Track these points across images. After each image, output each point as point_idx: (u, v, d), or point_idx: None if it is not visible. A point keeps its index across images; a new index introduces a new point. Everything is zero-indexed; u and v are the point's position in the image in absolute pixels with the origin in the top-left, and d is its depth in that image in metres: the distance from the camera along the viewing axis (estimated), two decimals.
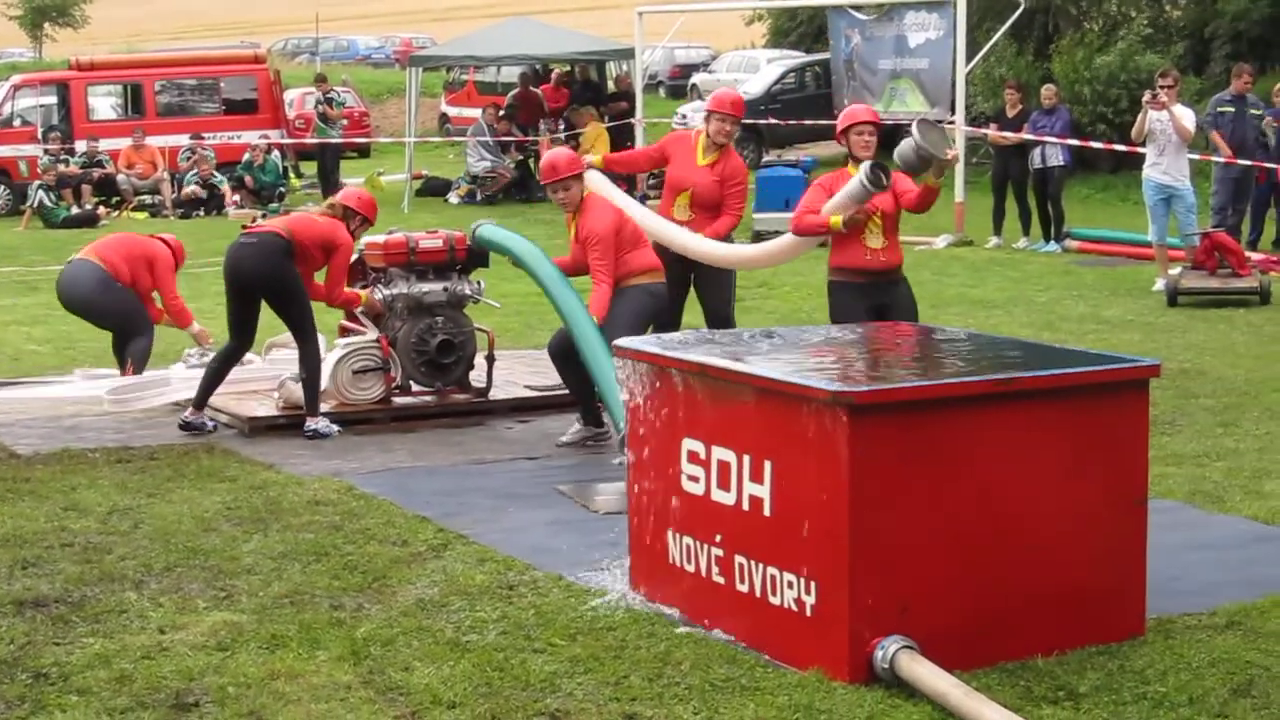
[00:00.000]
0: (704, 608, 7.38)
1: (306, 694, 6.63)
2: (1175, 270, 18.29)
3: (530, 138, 31.45)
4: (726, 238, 12.03)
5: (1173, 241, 19.07)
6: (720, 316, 12.16)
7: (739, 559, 7.16)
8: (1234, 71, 22.39)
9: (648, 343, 8.02)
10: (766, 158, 31.02)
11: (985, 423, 6.85)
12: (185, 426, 11.66)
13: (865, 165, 10.26)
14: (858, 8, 27.46)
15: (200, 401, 11.76)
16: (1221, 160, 21.07)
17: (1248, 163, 20.90)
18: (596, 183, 11.54)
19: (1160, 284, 18.32)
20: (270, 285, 11.48)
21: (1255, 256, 19.50)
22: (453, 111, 44.82)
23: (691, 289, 12.25)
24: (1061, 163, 23.06)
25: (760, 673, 6.79)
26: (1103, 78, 30.50)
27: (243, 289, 11.56)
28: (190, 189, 30.62)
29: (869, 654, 6.58)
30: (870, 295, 10.61)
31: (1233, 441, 11.02)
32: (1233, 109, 21.35)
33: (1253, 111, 21.44)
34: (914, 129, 10.11)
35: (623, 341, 8.01)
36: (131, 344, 13.00)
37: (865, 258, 10.55)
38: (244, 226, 12.38)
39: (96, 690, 6.68)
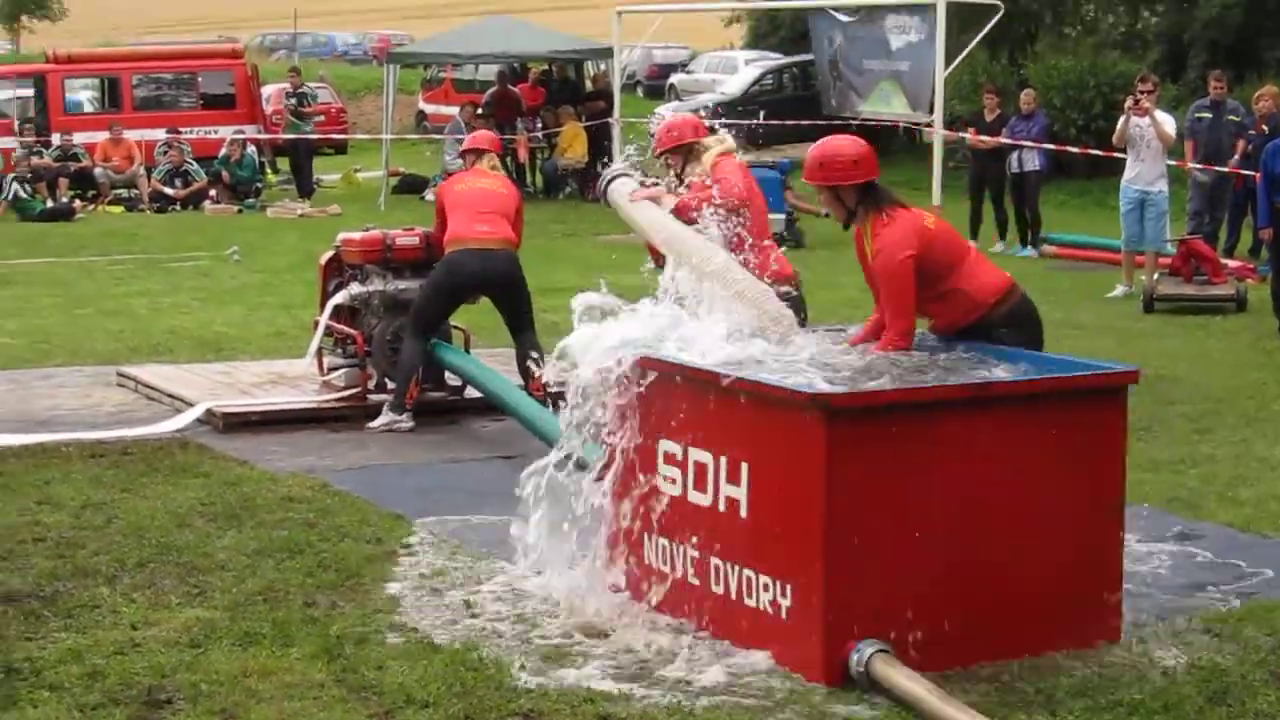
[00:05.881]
0: (680, 609, 7.36)
1: (279, 692, 6.60)
2: (1154, 276, 18.29)
3: (507, 136, 31.39)
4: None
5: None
6: None
7: (715, 561, 7.14)
8: (1210, 78, 22.44)
9: None
10: (745, 158, 30.93)
11: (962, 427, 6.84)
12: None
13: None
14: (839, 9, 27.43)
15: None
16: (1198, 166, 21.11)
17: (1223, 169, 20.92)
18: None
19: (1119, 290, 18.41)
20: None
21: (1231, 264, 19.53)
22: (430, 109, 44.74)
23: None
24: (1038, 167, 23.13)
25: (735, 674, 6.77)
26: (1074, 82, 30.51)
27: None
28: (155, 179, 30.48)
29: (844, 657, 6.57)
30: None
31: (1209, 448, 11.03)
32: (1210, 115, 21.38)
33: (1230, 118, 21.45)
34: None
35: None
36: None
37: None
38: None
39: (68, 686, 6.64)
